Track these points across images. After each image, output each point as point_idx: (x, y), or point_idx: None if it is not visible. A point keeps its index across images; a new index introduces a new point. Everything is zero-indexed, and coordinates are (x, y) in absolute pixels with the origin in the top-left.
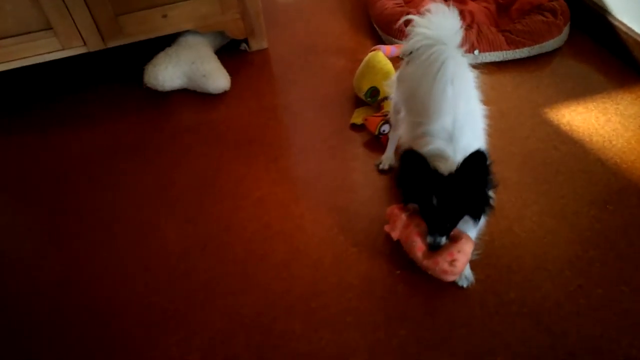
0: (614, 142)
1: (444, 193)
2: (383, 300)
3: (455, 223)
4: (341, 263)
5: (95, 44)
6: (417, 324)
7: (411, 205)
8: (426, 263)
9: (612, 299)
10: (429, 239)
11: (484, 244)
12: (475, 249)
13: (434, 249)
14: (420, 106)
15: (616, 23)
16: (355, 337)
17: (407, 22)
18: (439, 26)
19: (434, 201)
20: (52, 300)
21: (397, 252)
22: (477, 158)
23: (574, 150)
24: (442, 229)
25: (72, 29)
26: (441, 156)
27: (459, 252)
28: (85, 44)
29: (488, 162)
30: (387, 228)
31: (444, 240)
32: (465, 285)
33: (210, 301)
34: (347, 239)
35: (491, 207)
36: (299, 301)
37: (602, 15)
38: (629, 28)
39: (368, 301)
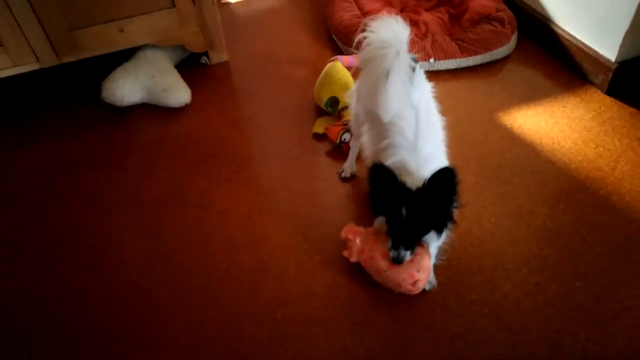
0: (562, 144)
1: (413, 205)
2: (348, 307)
3: (420, 238)
4: (305, 272)
5: (48, 60)
6: (382, 330)
7: (365, 228)
8: (390, 286)
9: (567, 294)
10: (393, 253)
11: (448, 248)
12: (441, 254)
13: (397, 262)
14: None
15: (559, 31)
16: (322, 347)
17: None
18: (385, 30)
19: (403, 212)
20: (5, 320)
21: None
22: (446, 174)
23: (526, 152)
24: (407, 242)
25: (24, 45)
26: (404, 169)
27: (418, 271)
28: (38, 60)
29: (456, 181)
30: (345, 254)
31: (408, 254)
32: (428, 289)
33: (173, 316)
34: (311, 247)
35: (454, 222)
36: (264, 313)
37: (547, 24)
38: (571, 36)
39: (333, 309)
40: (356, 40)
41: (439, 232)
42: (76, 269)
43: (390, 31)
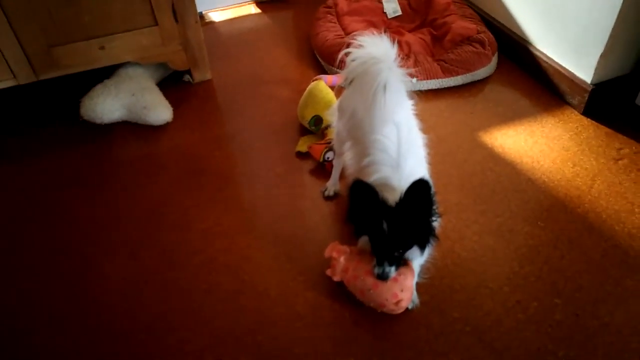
0: (541, 163)
1: (394, 220)
2: (331, 328)
3: (403, 252)
4: (288, 292)
5: (25, 77)
6: (365, 349)
7: (349, 247)
8: (373, 305)
9: (546, 311)
10: (378, 270)
11: (430, 267)
12: (423, 273)
13: (382, 278)
14: (363, 126)
15: (538, 53)
16: None
17: (347, 54)
18: (373, 46)
19: (384, 226)
20: None
21: None
22: (420, 186)
23: (507, 171)
24: (391, 257)
25: (0, 61)
26: (387, 185)
27: (402, 291)
28: (14, 76)
29: (432, 191)
30: (328, 272)
31: (392, 270)
32: (411, 308)
33: (153, 339)
34: (294, 267)
35: (435, 237)
36: (246, 334)
37: (526, 47)
38: (549, 58)
39: (316, 330)
40: (341, 54)
41: (422, 247)
42: (54, 291)
43: (378, 48)
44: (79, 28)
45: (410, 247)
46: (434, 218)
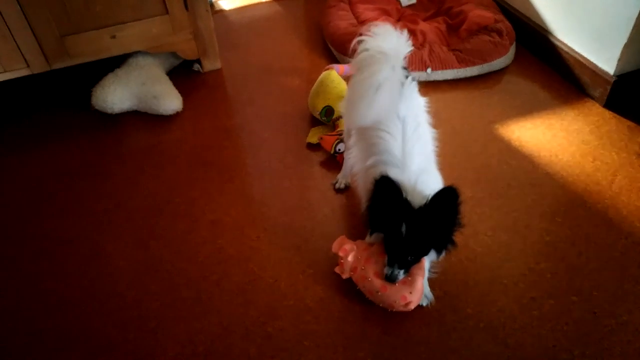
0: (560, 157)
1: (414, 224)
2: (340, 321)
3: (417, 259)
4: (298, 284)
5: (39, 66)
6: (375, 344)
7: (355, 243)
8: (382, 306)
9: (563, 309)
10: (387, 270)
11: (442, 261)
12: (435, 268)
13: (390, 280)
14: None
15: (558, 43)
16: None
17: (360, 42)
18: (388, 41)
19: (403, 229)
20: None
21: None
22: (448, 194)
23: (523, 165)
24: (403, 261)
25: (14, 51)
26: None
27: (410, 293)
28: (28, 65)
29: (459, 201)
30: (337, 270)
31: (402, 274)
32: (425, 304)
33: (162, 328)
34: (304, 259)
35: (454, 244)
36: (255, 326)
37: (545, 36)
38: (570, 48)
39: (325, 323)
40: (353, 42)
41: (439, 252)
42: (64, 280)
43: (390, 42)
44: (91, 17)
45: (425, 254)
46: (455, 226)
